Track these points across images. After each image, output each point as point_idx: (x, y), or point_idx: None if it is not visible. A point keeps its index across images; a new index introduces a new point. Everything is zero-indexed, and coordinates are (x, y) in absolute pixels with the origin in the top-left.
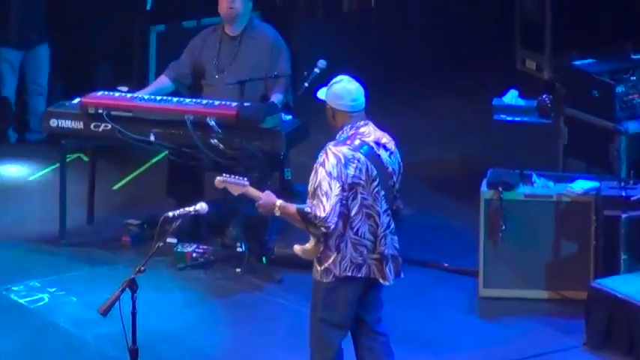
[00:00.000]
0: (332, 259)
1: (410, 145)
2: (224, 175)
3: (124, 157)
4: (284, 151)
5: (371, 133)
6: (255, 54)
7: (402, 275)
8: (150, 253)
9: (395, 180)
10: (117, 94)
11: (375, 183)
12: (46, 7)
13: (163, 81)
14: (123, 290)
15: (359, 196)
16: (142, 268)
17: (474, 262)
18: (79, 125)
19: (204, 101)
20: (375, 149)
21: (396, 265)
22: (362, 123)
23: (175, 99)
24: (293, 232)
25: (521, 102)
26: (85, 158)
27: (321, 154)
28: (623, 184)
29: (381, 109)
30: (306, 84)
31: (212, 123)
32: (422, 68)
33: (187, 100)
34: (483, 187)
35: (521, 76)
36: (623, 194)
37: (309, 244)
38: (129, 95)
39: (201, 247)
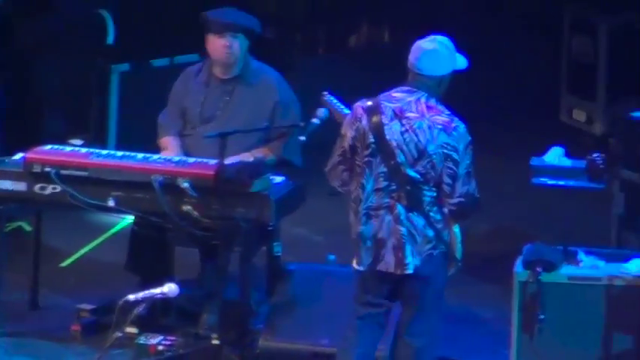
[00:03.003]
0: None
1: None
2: (328, 94)
3: (75, 226)
4: (273, 221)
5: (403, 100)
6: (253, 105)
7: (408, 272)
8: (106, 346)
9: (404, 160)
10: (69, 148)
11: (368, 152)
12: None
13: (178, 145)
14: None
15: (356, 161)
16: None
17: None
18: (20, 187)
19: (176, 158)
20: (385, 117)
21: (396, 255)
22: (407, 89)
23: (141, 155)
24: (284, 320)
25: (566, 162)
26: (28, 228)
27: None
28: None
29: None
30: (303, 138)
31: (185, 185)
32: None
33: (155, 157)
34: (518, 266)
35: (567, 130)
36: None
37: None
38: (84, 150)
39: (168, 338)
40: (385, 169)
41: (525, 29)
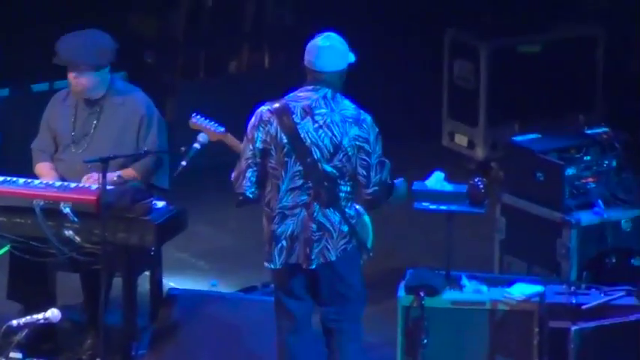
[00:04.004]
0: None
1: None
2: (196, 115)
3: None
4: (155, 246)
5: (310, 97)
6: (118, 125)
7: (314, 267)
8: None
9: (320, 157)
10: None
11: (283, 153)
12: None
13: (53, 170)
14: None
15: (269, 164)
16: None
17: None
18: None
19: (58, 183)
20: (296, 116)
21: (304, 249)
22: (311, 87)
23: (22, 180)
24: (167, 346)
25: (448, 186)
26: None
27: None
28: (572, 288)
29: None
30: (184, 163)
31: (67, 210)
32: None
33: (36, 182)
34: (400, 291)
35: (448, 155)
36: (573, 301)
37: None
38: None
39: None
40: (301, 168)
41: (406, 51)
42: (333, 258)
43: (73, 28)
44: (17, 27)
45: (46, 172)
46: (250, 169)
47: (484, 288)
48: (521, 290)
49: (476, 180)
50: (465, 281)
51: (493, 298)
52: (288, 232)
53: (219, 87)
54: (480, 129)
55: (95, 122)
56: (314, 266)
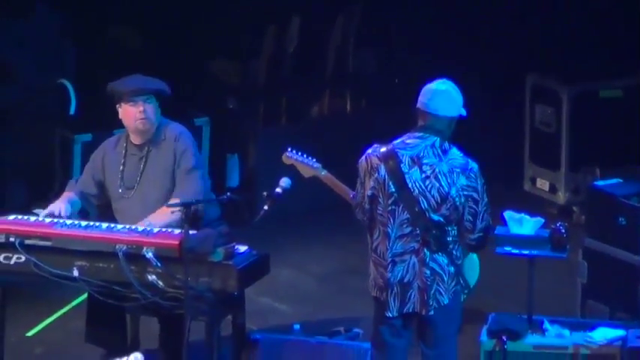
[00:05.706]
0: None
1: None
2: (291, 150)
3: (40, 296)
4: (238, 291)
5: (417, 146)
6: (162, 163)
7: (432, 312)
8: None
9: (427, 206)
10: (33, 218)
11: (391, 201)
12: None
13: (70, 195)
14: None
15: (377, 211)
16: None
17: None
18: None
19: (141, 228)
20: (404, 165)
21: (421, 295)
22: (419, 134)
23: (105, 225)
24: None
25: (529, 231)
26: None
27: None
28: None
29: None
30: (266, 207)
31: (149, 255)
32: None
33: (119, 227)
34: (483, 335)
35: (530, 199)
36: None
37: None
38: (47, 220)
39: None
40: (408, 216)
41: (488, 97)
42: (447, 301)
43: (155, 75)
44: (102, 75)
45: (63, 197)
46: (368, 204)
47: (566, 332)
48: (603, 334)
49: (558, 224)
50: (547, 325)
51: (575, 342)
52: (398, 279)
53: (300, 133)
54: (561, 173)
55: (144, 163)
56: (432, 312)
